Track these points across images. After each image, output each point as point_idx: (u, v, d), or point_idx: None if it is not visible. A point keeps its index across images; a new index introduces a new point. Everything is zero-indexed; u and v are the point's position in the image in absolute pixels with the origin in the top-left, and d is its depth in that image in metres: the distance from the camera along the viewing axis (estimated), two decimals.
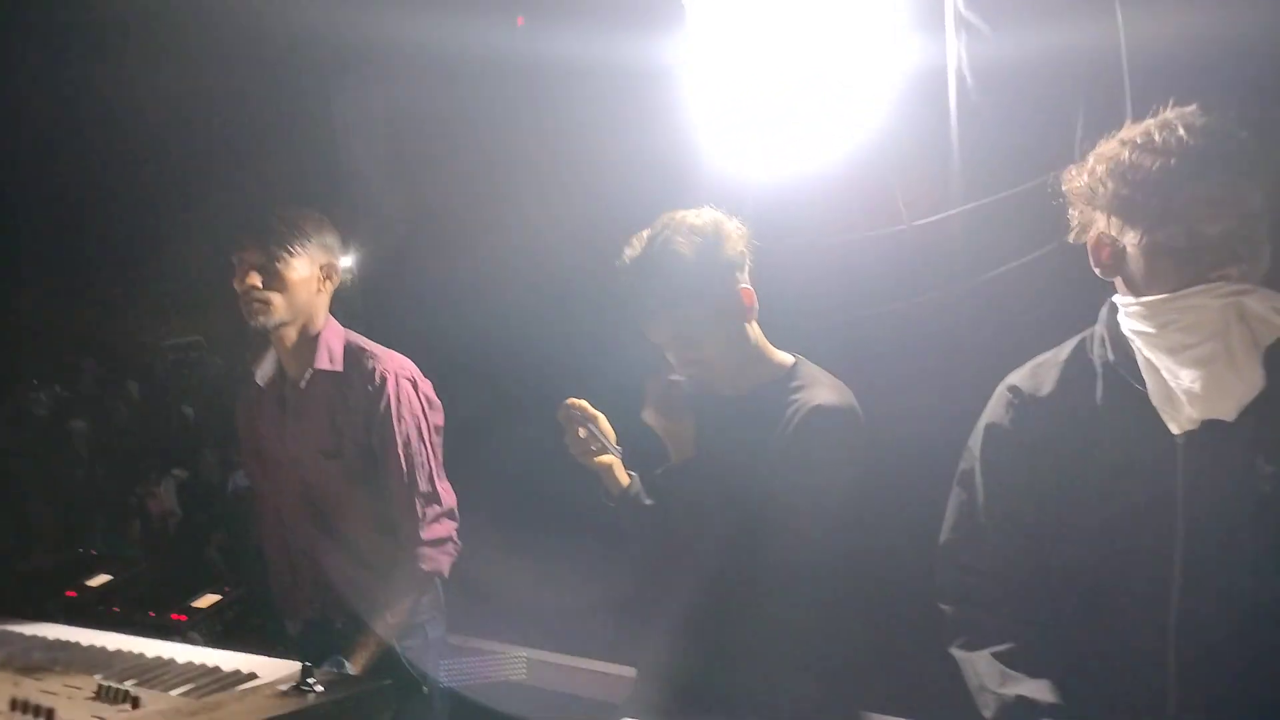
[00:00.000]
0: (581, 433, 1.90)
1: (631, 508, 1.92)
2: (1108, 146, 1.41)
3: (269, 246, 2.12)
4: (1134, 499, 1.40)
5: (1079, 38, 1.77)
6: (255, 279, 2.13)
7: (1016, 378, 1.54)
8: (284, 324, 2.19)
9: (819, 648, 1.76)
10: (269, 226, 2.15)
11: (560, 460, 1.96)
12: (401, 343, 2.34)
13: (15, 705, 1.35)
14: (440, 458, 2.25)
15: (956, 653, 1.53)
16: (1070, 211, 1.46)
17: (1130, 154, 1.37)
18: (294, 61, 3.26)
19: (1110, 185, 1.38)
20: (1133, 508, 1.40)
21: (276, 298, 2.15)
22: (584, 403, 1.90)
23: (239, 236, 2.16)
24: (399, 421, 2.17)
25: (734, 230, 1.79)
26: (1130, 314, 1.41)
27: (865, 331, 2.12)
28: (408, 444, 2.18)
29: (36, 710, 1.31)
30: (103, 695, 1.42)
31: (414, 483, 2.18)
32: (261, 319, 2.16)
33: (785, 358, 1.87)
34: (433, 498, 2.19)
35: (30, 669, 1.61)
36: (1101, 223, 1.42)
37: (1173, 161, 1.33)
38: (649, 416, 1.91)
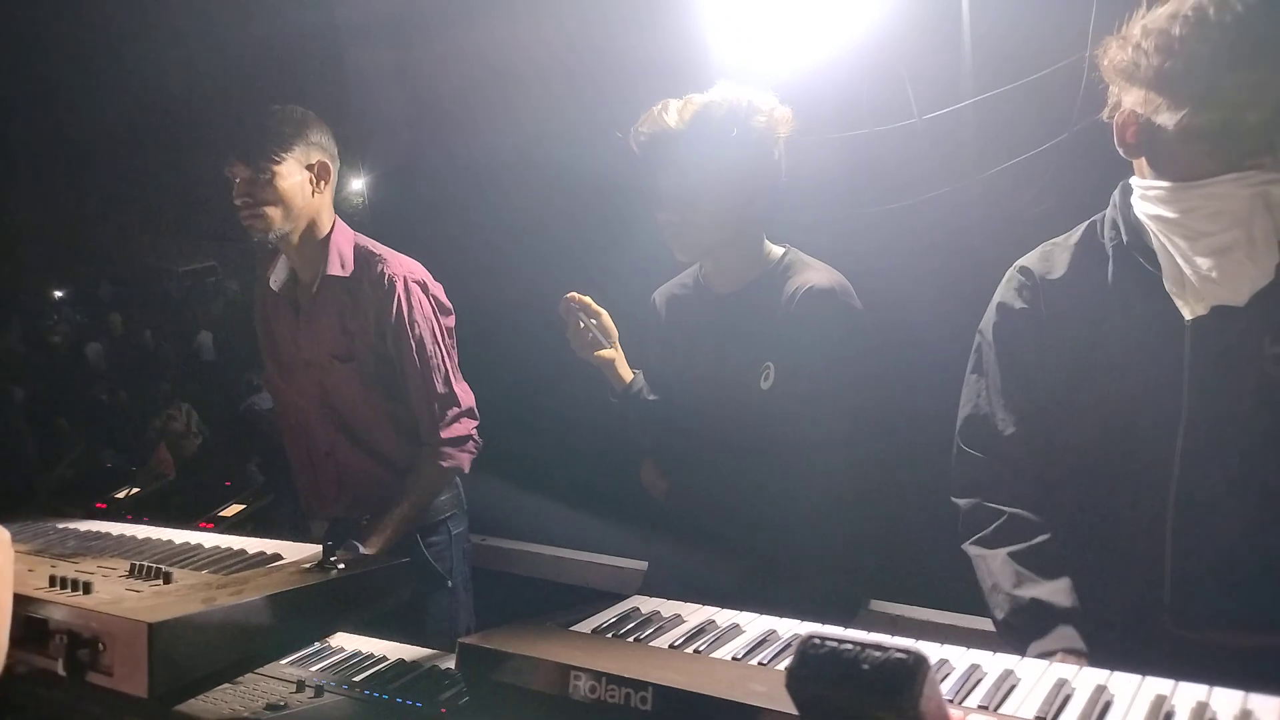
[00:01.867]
0: (582, 327, 1.92)
1: (635, 403, 1.96)
2: (1155, 18, 1.34)
3: (253, 159, 2.11)
4: (1141, 378, 1.41)
5: None
6: (246, 194, 2.13)
7: (1027, 260, 1.54)
8: (285, 233, 2.19)
9: (827, 534, 1.80)
10: (250, 138, 2.13)
11: (572, 360, 1.99)
12: (412, 249, 2.35)
13: (54, 581, 1.41)
14: (455, 359, 2.29)
15: (970, 549, 1.53)
16: (1110, 90, 1.41)
17: (1180, 28, 1.31)
18: None
19: (1155, 60, 1.32)
20: (1139, 387, 1.41)
21: (270, 210, 2.14)
22: (586, 298, 1.91)
23: (225, 152, 2.15)
24: (411, 325, 2.20)
25: (782, 114, 1.77)
26: (1149, 197, 1.40)
27: (875, 228, 2.12)
28: (420, 347, 2.21)
29: (74, 584, 1.37)
30: (135, 573, 1.48)
31: (430, 385, 2.22)
32: (260, 233, 2.18)
33: (777, 249, 1.88)
34: (450, 399, 2.23)
35: (66, 555, 1.69)
36: (1136, 99, 1.37)
37: (1226, 40, 1.28)
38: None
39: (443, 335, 2.26)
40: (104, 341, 6.71)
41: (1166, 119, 1.33)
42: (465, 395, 2.27)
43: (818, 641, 0.66)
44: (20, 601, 1.37)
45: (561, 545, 3.04)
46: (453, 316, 2.32)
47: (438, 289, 2.30)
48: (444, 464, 2.21)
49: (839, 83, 2.11)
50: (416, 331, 2.21)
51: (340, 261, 2.24)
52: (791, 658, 0.69)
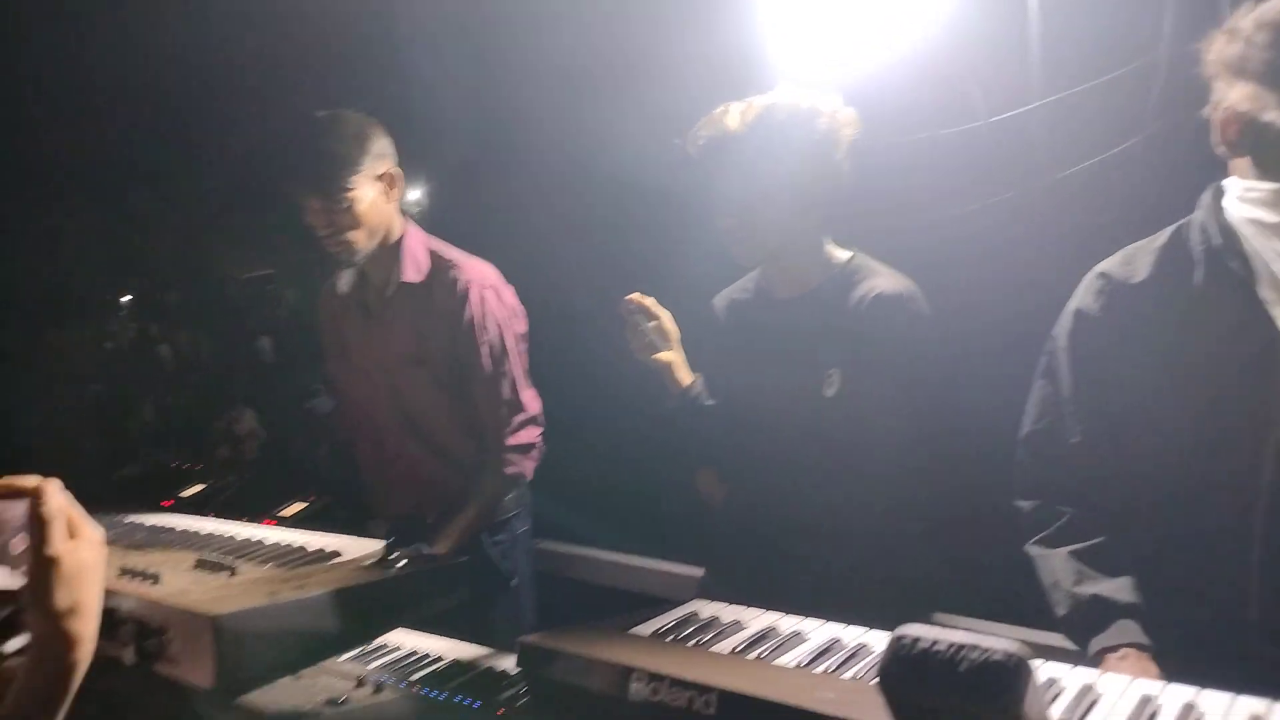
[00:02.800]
0: (642, 329, 1.91)
1: (693, 408, 1.94)
2: (1268, 11, 1.29)
3: (328, 193, 2.08)
4: (1229, 389, 1.36)
5: None
6: (327, 223, 2.11)
7: (1107, 265, 1.49)
8: (371, 250, 2.19)
9: (889, 545, 1.77)
10: (319, 169, 2.08)
11: (630, 364, 1.99)
12: (471, 252, 2.36)
13: (124, 572, 1.44)
14: (525, 365, 2.29)
15: (1032, 549, 1.52)
16: (1215, 85, 1.35)
17: None
18: None
19: (1266, 54, 1.28)
20: (1227, 397, 1.36)
21: (353, 234, 2.14)
22: (647, 299, 1.90)
23: (296, 188, 2.11)
24: (482, 330, 2.21)
25: (846, 116, 1.75)
26: (1250, 199, 1.34)
27: (939, 233, 2.08)
28: (491, 352, 2.21)
29: (143, 575, 1.40)
30: (202, 565, 1.51)
31: (498, 391, 2.22)
32: (347, 257, 2.18)
33: (842, 253, 1.85)
34: (516, 405, 2.23)
35: (135, 546, 1.72)
36: (1243, 95, 1.31)
37: None
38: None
39: (513, 341, 2.26)
40: (169, 345, 6.89)
41: (1276, 116, 1.28)
42: (532, 402, 2.27)
43: (910, 640, 0.64)
44: None
45: (617, 550, 3.04)
46: (524, 320, 2.32)
47: (510, 293, 2.30)
48: (508, 470, 2.22)
49: (902, 85, 2.07)
50: (487, 337, 2.21)
51: (415, 267, 2.24)
52: (883, 655, 0.67)
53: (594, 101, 2.58)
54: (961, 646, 0.62)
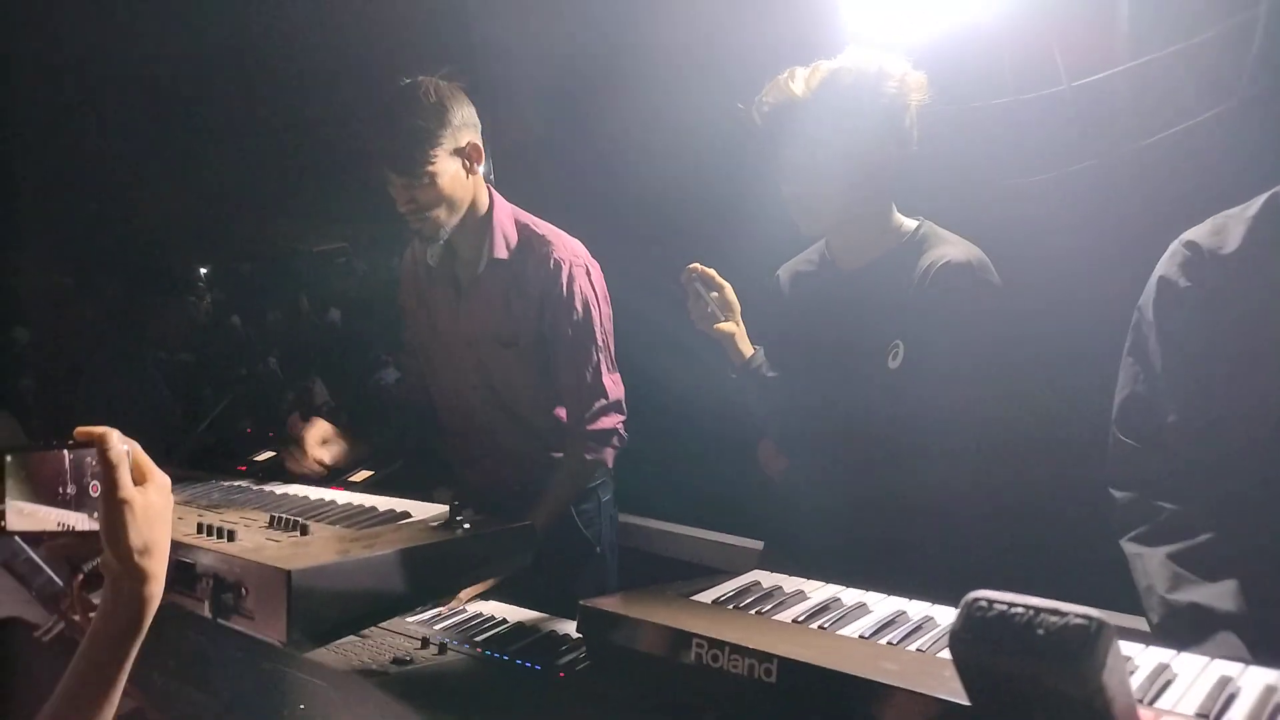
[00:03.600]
0: (703, 299, 1.89)
1: (754, 379, 1.92)
2: None
3: (408, 170, 2.04)
4: None
5: None
6: (409, 200, 2.09)
7: (1195, 234, 1.42)
8: (454, 226, 2.17)
9: (954, 521, 1.73)
10: (398, 146, 2.04)
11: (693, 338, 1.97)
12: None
13: (200, 529, 1.49)
14: (611, 349, 2.26)
15: (1127, 546, 1.44)
16: None
17: None
18: None
19: None
20: None
21: (436, 212, 2.11)
22: (710, 270, 1.89)
23: (379, 167, 2.08)
24: (570, 312, 2.18)
25: (915, 80, 1.70)
26: None
27: (1018, 202, 2.01)
28: (577, 334, 2.19)
29: (219, 532, 1.44)
30: (275, 524, 1.55)
31: (581, 375, 2.20)
32: (430, 234, 2.16)
33: (909, 222, 1.80)
34: (598, 390, 2.21)
35: (211, 505, 1.78)
36: None
37: None
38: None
39: (600, 322, 2.23)
40: (239, 316, 7.09)
41: None
42: (614, 388, 2.25)
43: (985, 603, 0.62)
44: (171, 546, 1.45)
45: (676, 521, 3.04)
46: (609, 303, 2.28)
47: (599, 273, 2.27)
48: (588, 456, 2.21)
49: (981, 49, 2.00)
50: (575, 318, 2.19)
51: (505, 242, 2.22)
52: (955, 619, 0.65)
53: (661, 72, 2.55)
54: (1039, 610, 0.60)
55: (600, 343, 2.23)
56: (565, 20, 2.87)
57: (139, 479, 1.14)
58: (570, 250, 2.22)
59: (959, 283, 1.66)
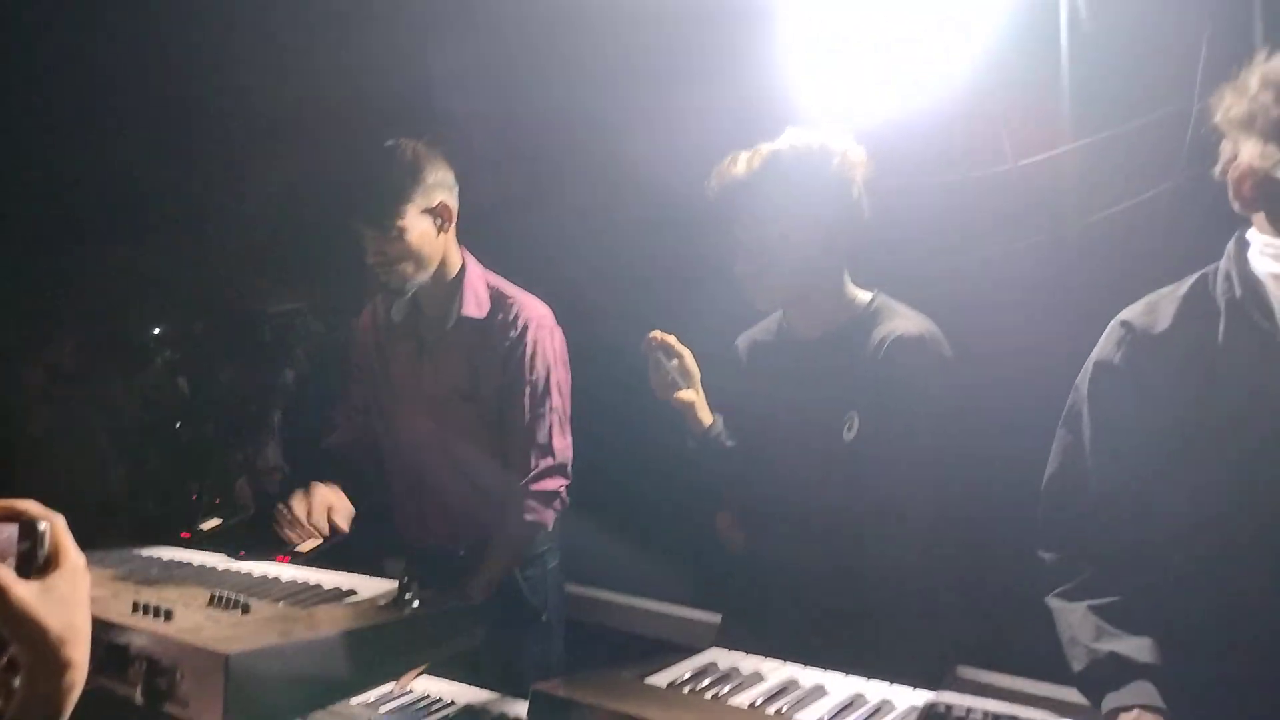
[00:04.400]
0: (663, 368, 1.89)
1: (713, 448, 1.91)
2: (1275, 69, 1.29)
3: (378, 222, 2.09)
4: (1253, 444, 1.33)
5: None
6: (378, 251, 2.12)
7: (1129, 313, 1.47)
8: (422, 281, 2.19)
9: (911, 593, 1.73)
10: (369, 198, 2.09)
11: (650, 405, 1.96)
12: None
13: (137, 608, 1.43)
14: (566, 412, 2.25)
15: (1052, 602, 1.48)
16: (1223, 143, 1.35)
17: None
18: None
19: (1275, 111, 1.27)
20: (1252, 453, 1.33)
21: (403, 265, 2.14)
22: (669, 337, 1.89)
23: (349, 218, 2.13)
24: (531, 370, 2.19)
25: (857, 155, 1.74)
26: (1269, 254, 1.33)
27: (967, 276, 2.06)
28: (534, 392, 2.19)
29: (157, 611, 1.39)
30: (215, 602, 1.49)
31: (533, 432, 2.19)
32: (396, 286, 2.18)
33: (864, 294, 1.83)
34: (547, 451, 2.20)
35: (149, 582, 1.71)
36: (1253, 152, 1.31)
37: None
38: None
39: (558, 385, 2.23)
40: (193, 378, 6.94)
41: None
42: (563, 450, 2.23)
43: (944, 708, 0.61)
44: (103, 627, 1.39)
45: (632, 594, 2.99)
46: (568, 369, 2.29)
47: (562, 337, 2.28)
48: (527, 517, 2.18)
49: (932, 127, 2.06)
50: (534, 376, 2.19)
51: (476, 302, 2.24)
52: None
53: (622, 145, 2.59)
54: (998, 718, 0.58)
55: (555, 404, 2.22)
56: (529, 91, 2.91)
57: (55, 559, 1.07)
58: (537, 312, 2.25)
59: (912, 356, 1.68)
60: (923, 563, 1.70)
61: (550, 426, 2.21)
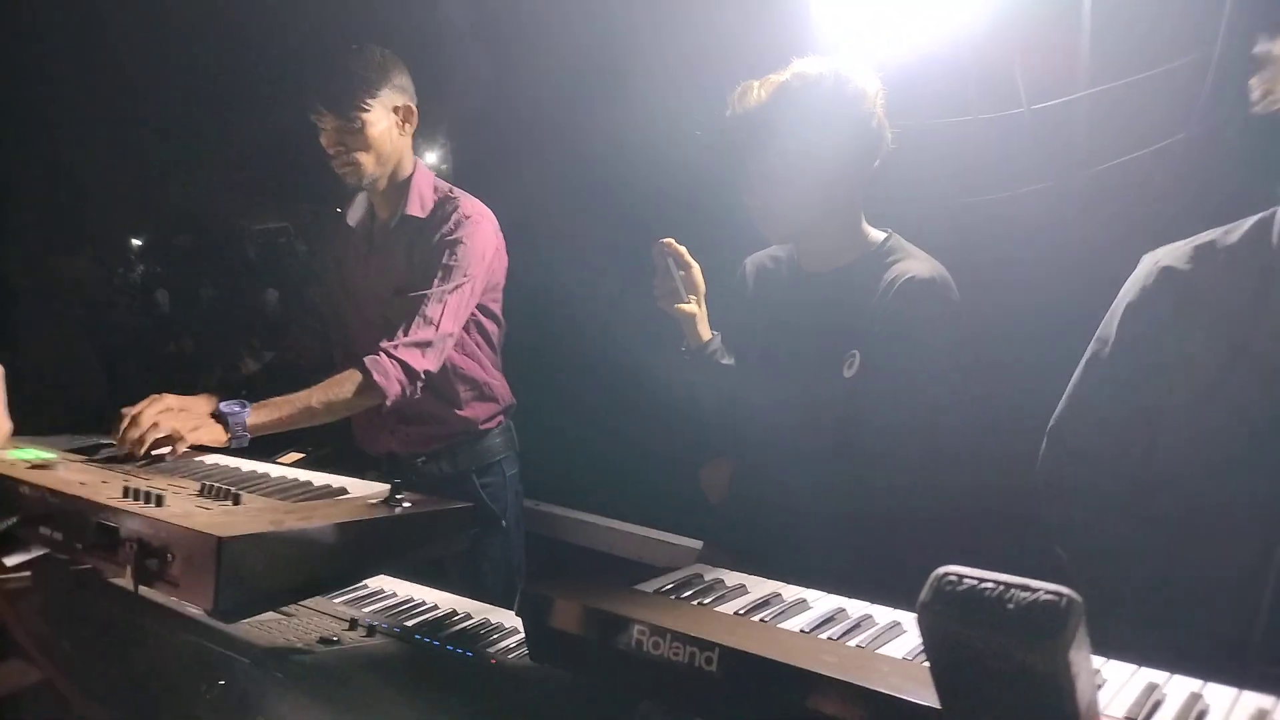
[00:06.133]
0: (671, 275, 1.88)
1: (708, 364, 1.92)
2: None
3: (341, 108, 2.13)
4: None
5: None
6: (337, 143, 2.16)
7: (1169, 257, 1.42)
8: (376, 178, 2.23)
9: (897, 528, 1.75)
10: (336, 86, 2.13)
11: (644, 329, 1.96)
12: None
13: (127, 492, 1.42)
14: (467, 304, 2.20)
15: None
16: (1252, 80, 1.30)
17: None
18: None
19: None
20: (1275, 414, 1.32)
21: (362, 157, 2.18)
22: (680, 247, 1.88)
23: (311, 101, 2.16)
24: (451, 254, 2.17)
25: (872, 85, 1.72)
26: None
27: (976, 218, 2.06)
28: (445, 272, 2.16)
29: (147, 496, 1.38)
30: (206, 492, 1.49)
31: (424, 303, 2.13)
32: (353, 180, 2.22)
33: (877, 233, 1.83)
34: (430, 322, 2.13)
35: (139, 471, 1.71)
36: None
37: None
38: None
39: (475, 269, 2.19)
40: (174, 292, 6.87)
41: None
42: (445, 337, 2.15)
43: (955, 577, 0.62)
44: (93, 508, 1.39)
45: (615, 517, 3.02)
46: (503, 268, 2.30)
47: (501, 241, 2.29)
48: (374, 375, 2.06)
49: (945, 68, 2.05)
50: (452, 259, 2.17)
51: (420, 202, 2.27)
52: (924, 591, 0.65)
53: (625, 90, 2.56)
54: (1010, 585, 0.60)
55: (460, 289, 2.17)
56: (525, 39, 2.87)
57: None
58: (476, 209, 2.26)
59: (921, 299, 1.68)
60: (912, 502, 1.72)
61: (444, 305, 2.14)
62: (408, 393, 2.11)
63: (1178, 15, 1.55)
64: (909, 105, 1.78)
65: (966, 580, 0.61)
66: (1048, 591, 0.60)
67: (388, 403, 2.09)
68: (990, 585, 0.60)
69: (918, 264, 1.73)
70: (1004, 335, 1.95)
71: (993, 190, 2.05)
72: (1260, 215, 1.38)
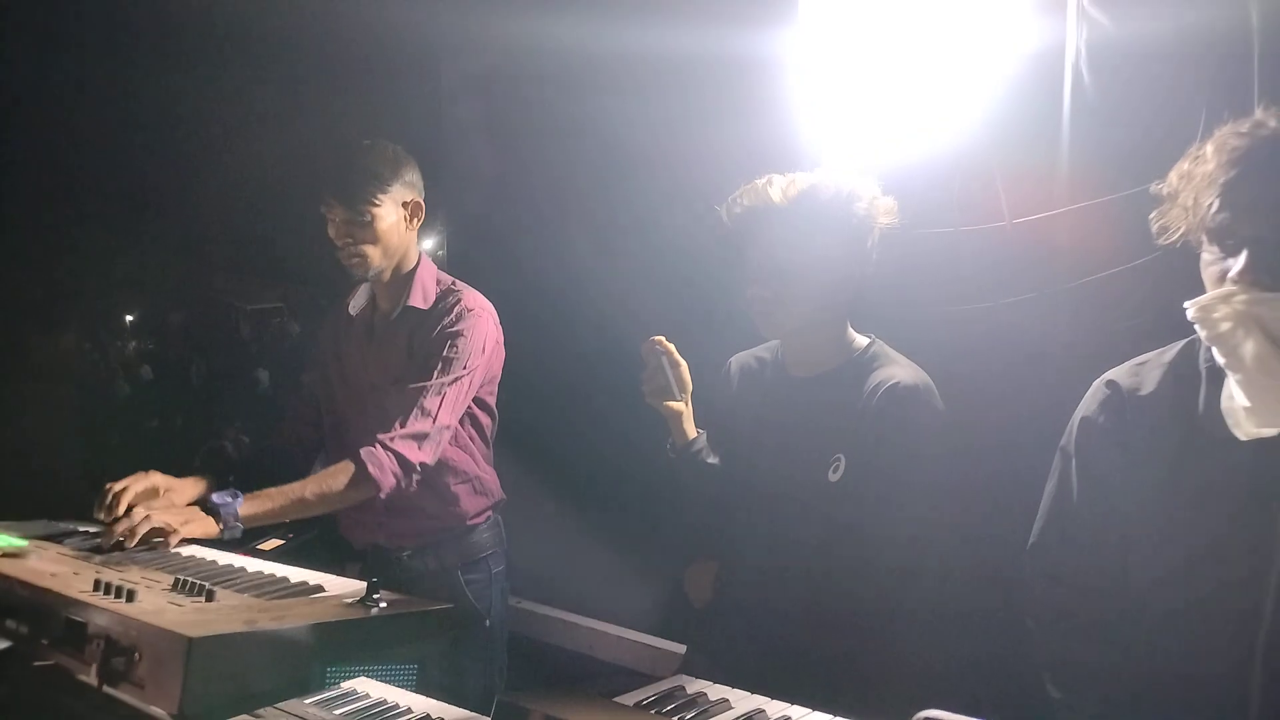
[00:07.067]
0: (662, 373, 1.89)
1: (693, 463, 1.91)
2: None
3: (353, 203, 2.17)
4: (1227, 517, 1.34)
5: (1205, 33, 1.72)
6: (345, 234, 2.20)
7: (1116, 374, 1.49)
8: (381, 271, 2.25)
9: (882, 638, 1.72)
10: (349, 179, 2.18)
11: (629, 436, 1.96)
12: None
13: (98, 586, 1.40)
14: (465, 396, 2.20)
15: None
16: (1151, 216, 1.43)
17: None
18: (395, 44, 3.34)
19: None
20: (1225, 526, 1.34)
21: (370, 249, 2.21)
22: (670, 345, 1.89)
23: (323, 193, 2.20)
24: (451, 346, 2.18)
25: (885, 205, 1.77)
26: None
27: (957, 328, 2.08)
28: (445, 364, 2.16)
29: (119, 591, 1.36)
30: (179, 587, 1.46)
31: (425, 390, 2.12)
32: (359, 272, 2.25)
33: (861, 339, 1.85)
34: (427, 418, 2.11)
35: (112, 563, 1.68)
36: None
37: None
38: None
39: (472, 369, 2.20)
40: (163, 369, 6.86)
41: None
42: (441, 430, 2.14)
43: None
44: (62, 602, 1.36)
45: (598, 618, 2.96)
46: (500, 362, 2.31)
47: (499, 335, 2.31)
48: (369, 467, 2.04)
49: (930, 180, 2.10)
50: (452, 352, 2.18)
51: (423, 294, 2.29)
52: None
53: (631, 182, 2.63)
54: None
55: (459, 382, 2.17)
56: (541, 131, 2.96)
57: None
58: (478, 302, 2.28)
59: (905, 405, 1.69)
60: (897, 608, 1.70)
61: (442, 398, 2.13)
62: (403, 485, 2.09)
63: (1156, 138, 1.61)
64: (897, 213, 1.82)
65: None
66: None
67: (382, 495, 2.07)
68: None
69: (901, 370, 1.75)
70: (988, 446, 1.95)
71: (976, 300, 2.08)
72: (1191, 337, 1.44)
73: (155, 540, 1.87)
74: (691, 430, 1.92)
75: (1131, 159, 1.61)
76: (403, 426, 2.09)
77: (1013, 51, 2.00)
